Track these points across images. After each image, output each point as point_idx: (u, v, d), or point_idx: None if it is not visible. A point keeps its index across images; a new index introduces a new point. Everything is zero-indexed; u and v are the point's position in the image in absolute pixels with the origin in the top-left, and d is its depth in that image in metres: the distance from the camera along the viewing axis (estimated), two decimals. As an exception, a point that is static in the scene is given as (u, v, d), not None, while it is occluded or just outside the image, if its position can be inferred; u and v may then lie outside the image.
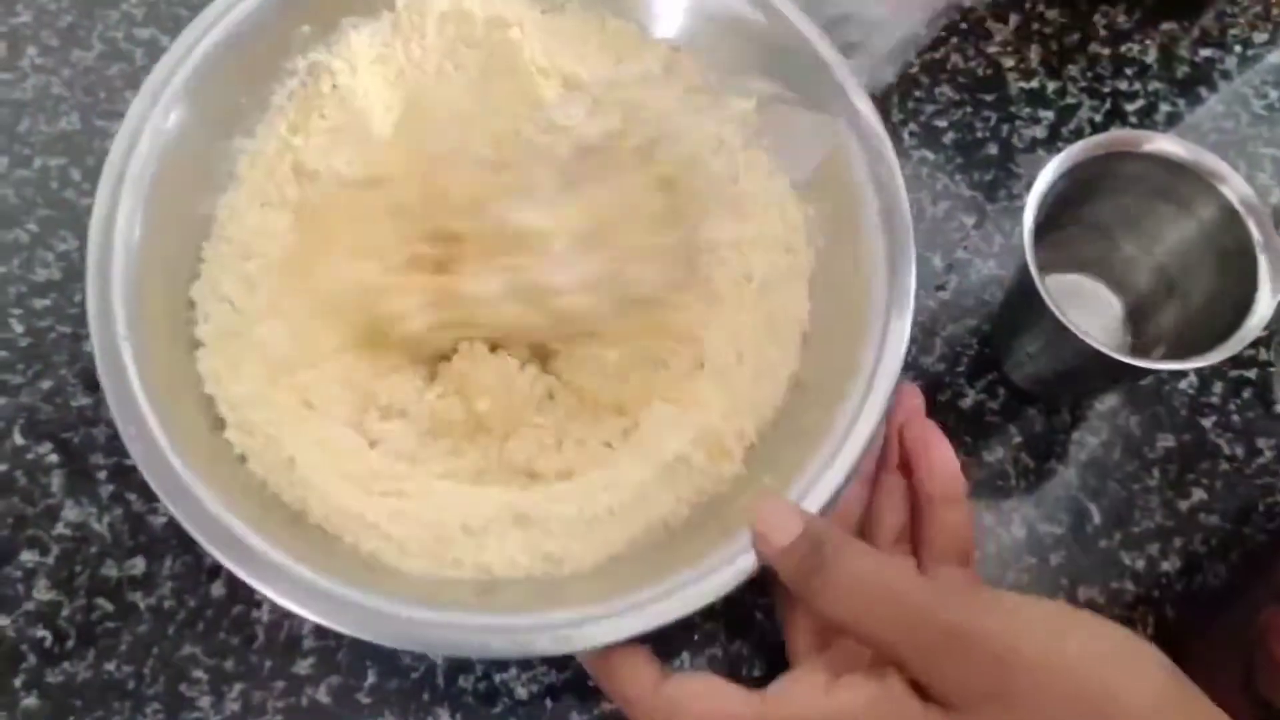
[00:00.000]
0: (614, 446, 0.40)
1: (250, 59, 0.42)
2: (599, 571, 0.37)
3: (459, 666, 0.41)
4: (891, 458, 0.40)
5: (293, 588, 0.34)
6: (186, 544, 0.42)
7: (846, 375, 0.38)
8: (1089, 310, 0.48)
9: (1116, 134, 0.43)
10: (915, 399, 0.41)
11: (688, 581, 0.34)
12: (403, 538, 0.37)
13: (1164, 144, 0.42)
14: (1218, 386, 0.48)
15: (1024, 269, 0.40)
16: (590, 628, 0.33)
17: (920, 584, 0.32)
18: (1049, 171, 0.41)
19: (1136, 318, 0.47)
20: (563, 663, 0.41)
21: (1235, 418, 0.47)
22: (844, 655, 0.34)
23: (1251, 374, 0.48)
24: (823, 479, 0.36)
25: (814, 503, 0.36)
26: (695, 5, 0.45)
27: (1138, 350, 0.46)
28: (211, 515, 0.34)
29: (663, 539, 0.38)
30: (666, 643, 0.42)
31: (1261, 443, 0.47)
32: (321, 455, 0.38)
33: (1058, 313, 0.39)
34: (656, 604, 0.34)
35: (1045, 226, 0.41)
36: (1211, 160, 0.41)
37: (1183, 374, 0.48)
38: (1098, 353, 0.39)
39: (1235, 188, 0.41)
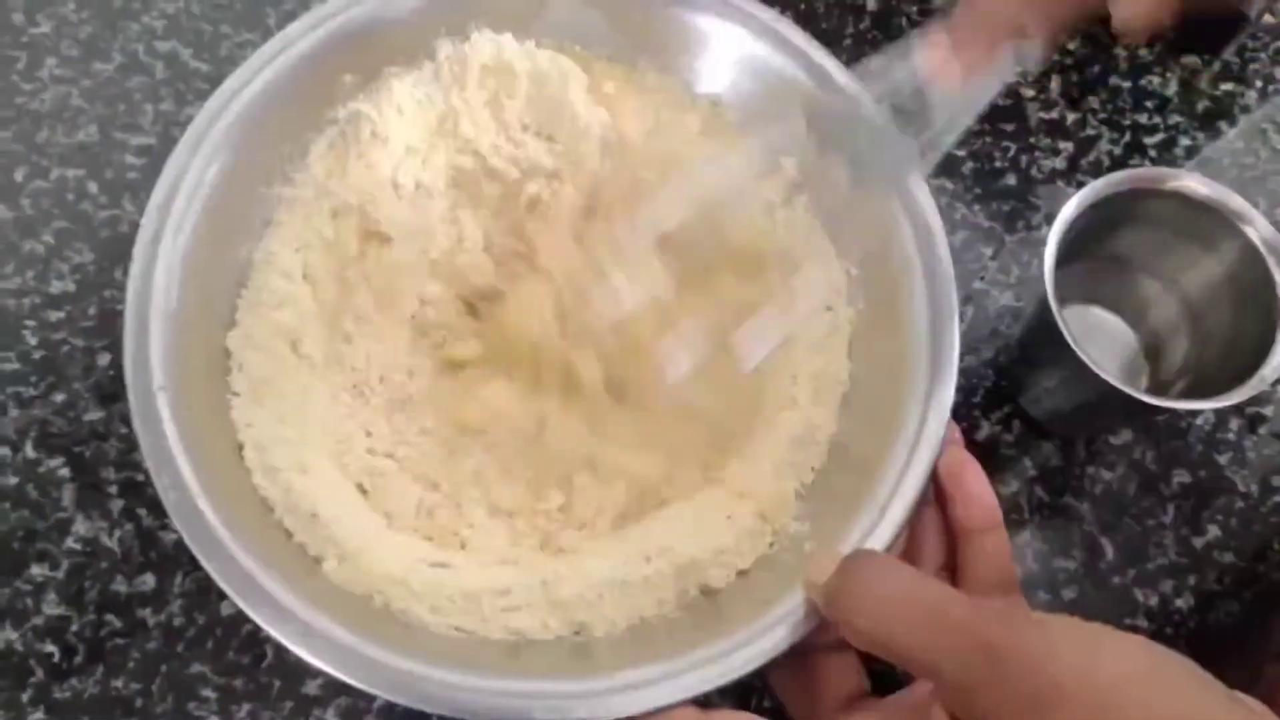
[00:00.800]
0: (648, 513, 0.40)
1: (294, 108, 0.42)
2: (631, 633, 0.37)
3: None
4: (928, 491, 0.40)
5: (329, 648, 0.34)
6: (196, 561, 0.42)
7: (888, 443, 0.38)
8: (1105, 344, 0.48)
9: (1140, 171, 0.43)
10: (951, 431, 0.40)
11: (725, 650, 0.34)
12: (433, 597, 0.37)
13: (1188, 182, 0.42)
14: (1234, 423, 0.47)
15: (1043, 304, 0.40)
16: (628, 695, 0.34)
17: (959, 600, 0.31)
18: (1070, 207, 0.41)
19: (1154, 353, 0.47)
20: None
21: (1251, 454, 0.47)
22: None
23: (1268, 410, 0.48)
24: (870, 540, 0.36)
25: None
26: (742, 62, 0.45)
27: (1155, 386, 0.46)
28: (245, 571, 0.34)
29: (697, 602, 0.38)
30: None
31: (1277, 480, 0.46)
32: (355, 515, 0.38)
33: (1077, 350, 0.39)
34: (695, 670, 0.34)
35: (1064, 259, 0.41)
36: (1235, 200, 0.41)
37: (1198, 411, 0.47)
38: (1116, 390, 0.39)
39: (1259, 228, 0.41)
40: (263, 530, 0.37)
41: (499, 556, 0.39)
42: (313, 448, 0.39)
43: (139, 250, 0.38)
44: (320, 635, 0.33)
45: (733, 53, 0.44)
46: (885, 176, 0.40)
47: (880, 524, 0.36)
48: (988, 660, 0.29)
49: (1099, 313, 0.48)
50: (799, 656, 0.36)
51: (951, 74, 0.37)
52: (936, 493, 0.39)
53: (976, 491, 0.38)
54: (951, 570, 0.38)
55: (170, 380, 0.36)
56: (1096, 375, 0.39)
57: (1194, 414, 0.47)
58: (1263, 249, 0.41)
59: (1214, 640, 0.44)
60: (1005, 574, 0.37)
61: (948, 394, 0.38)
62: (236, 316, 0.41)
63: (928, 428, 0.37)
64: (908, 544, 0.39)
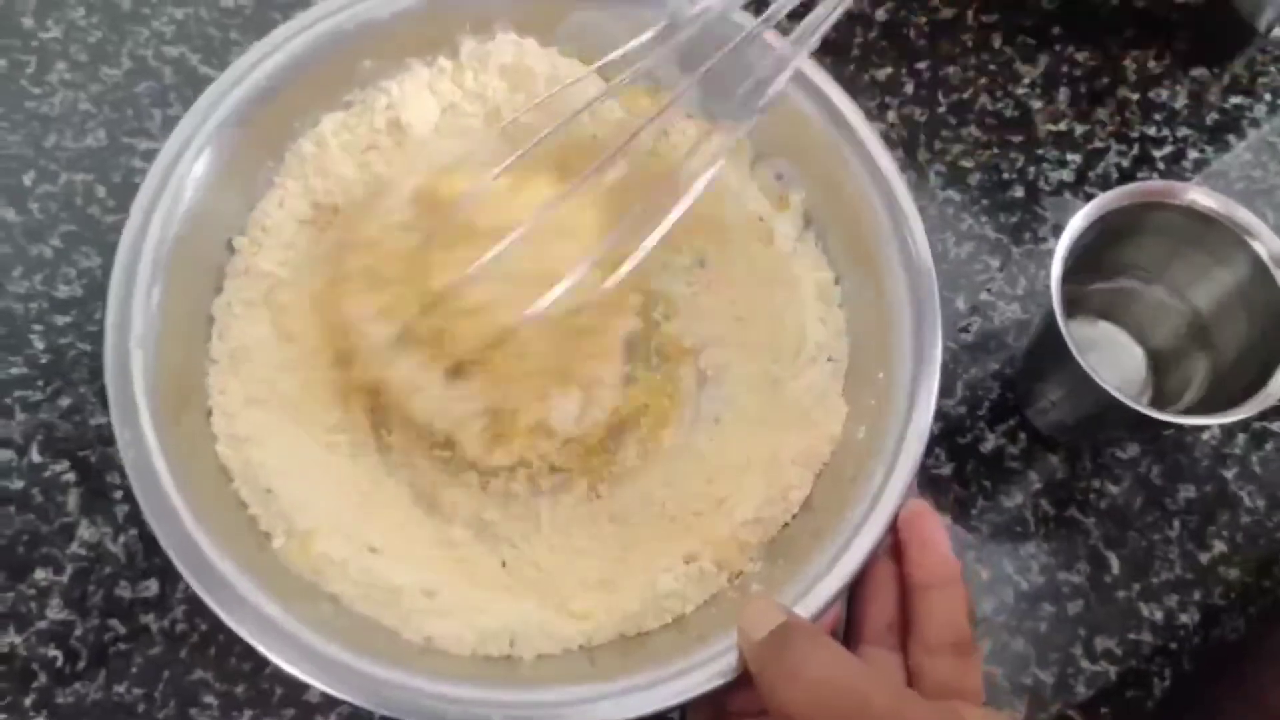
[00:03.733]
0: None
1: (310, 85, 0.42)
2: (559, 661, 0.37)
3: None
4: (884, 543, 0.38)
5: (258, 621, 0.34)
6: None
7: (851, 498, 0.37)
8: (1112, 358, 0.48)
9: (1149, 184, 0.42)
10: (912, 488, 0.39)
11: (651, 681, 0.34)
12: (365, 586, 0.37)
13: (1197, 196, 0.42)
14: (1240, 438, 0.47)
15: (1050, 316, 0.40)
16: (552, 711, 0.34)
17: (883, 689, 0.30)
18: (1079, 220, 0.41)
19: (1160, 367, 0.47)
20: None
21: (1258, 469, 0.47)
22: None
23: (1275, 426, 0.47)
24: (815, 590, 0.35)
25: (805, 609, 0.35)
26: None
27: (1161, 400, 0.46)
28: (188, 534, 0.34)
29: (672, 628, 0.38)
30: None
31: (1284, 496, 0.46)
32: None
33: (1083, 363, 0.39)
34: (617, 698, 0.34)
35: (1071, 272, 0.41)
36: (1244, 215, 0.41)
37: (1205, 426, 0.47)
38: (1120, 403, 0.39)
39: (1267, 243, 0.41)
40: (217, 498, 0.37)
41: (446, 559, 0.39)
42: (283, 421, 0.39)
43: (141, 197, 0.38)
44: (251, 609, 0.34)
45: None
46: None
47: (828, 576, 0.35)
48: None
49: (1106, 326, 0.48)
50: (719, 718, 0.35)
51: None
52: (893, 544, 0.37)
53: (932, 541, 0.36)
54: (903, 627, 0.36)
55: (149, 336, 0.37)
56: (1101, 388, 0.39)
57: (1200, 428, 0.47)
58: (1271, 264, 0.41)
59: (1219, 656, 0.44)
60: (959, 632, 0.35)
61: (917, 449, 0.37)
62: (223, 283, 0.41)
63: (891, 483, 0.36)
64: (855, 600, 0.38)
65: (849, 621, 0.38)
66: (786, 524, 0.39)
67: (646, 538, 0.41)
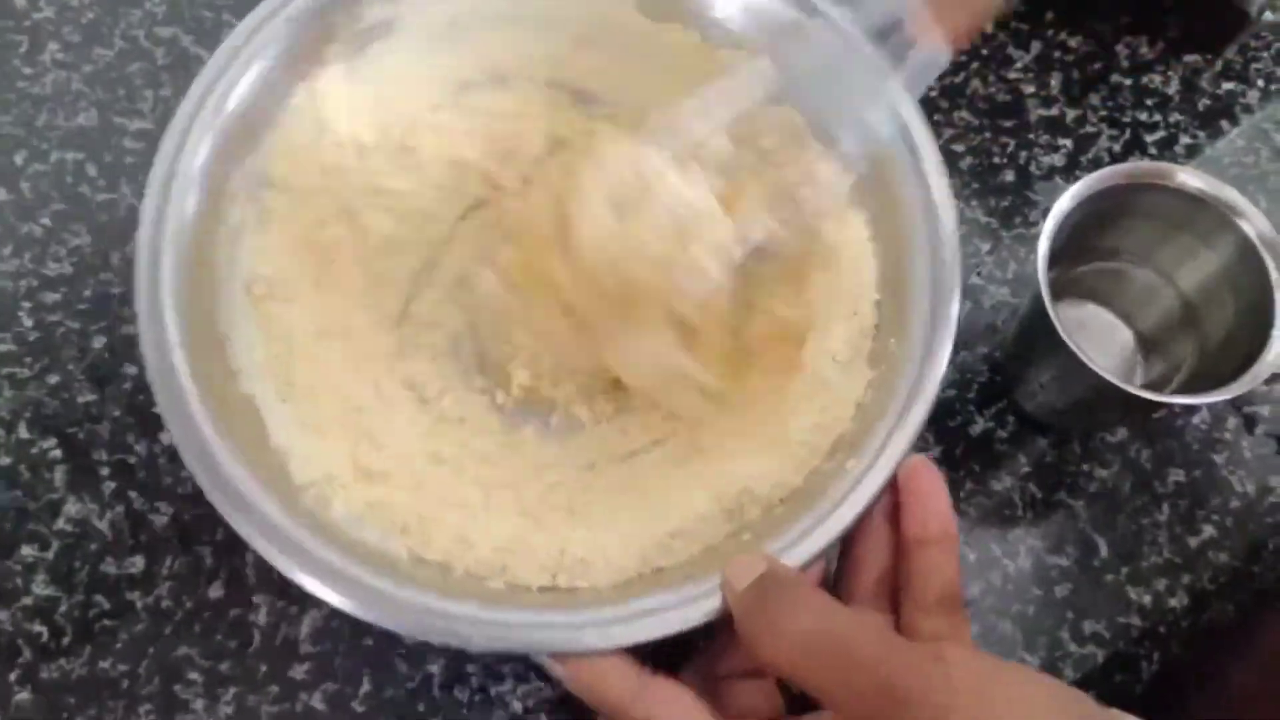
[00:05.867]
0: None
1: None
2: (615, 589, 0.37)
3: (455, 677, 0.41)
4: (879, 497, 0.37)
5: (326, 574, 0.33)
6: (186, 544, 0.42)
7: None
8: (1101, 341, 0.47)
9: (1136, 165, 0.42)
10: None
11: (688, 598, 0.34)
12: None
13: (1185, 177, 0.42)
14: (1231, 423, 0.47)
15: (1037, 298, 0.40)
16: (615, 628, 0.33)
17: (869, 636, 0.30)
18: (1066, 199, 0.41)
19: (1149, 350, 0.47)
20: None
21: (1248, 454, 0.47)
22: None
23: (1265, 410, 0.47)
24: (802, 543, 0.35)
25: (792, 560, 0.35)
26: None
27: (1151, 383, 0.46)
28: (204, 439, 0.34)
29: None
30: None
31: (1274, 480, 0.46)
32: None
33: (1071, 344, 0.39)
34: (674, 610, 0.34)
35: (1059, 255, 0.41)
36: (1232, 195, 0.41)
37: (1196, 409, 0.47)
38: (1111, 385, 0.39)
39: (1255, 224, 0.41)
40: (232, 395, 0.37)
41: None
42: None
43: (176, 125, 0.38)
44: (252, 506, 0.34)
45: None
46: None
47: (816, 530, 0.35)
48: (890, 702, 0.28)
49: (1095, 309, 0.48)
50: (710, 681, 0.35)
51: (934, 37, 0.36)
52: (889, 506, 0.37)
53: (930, 494, 0.36)
54: (894, 583, 0.36)
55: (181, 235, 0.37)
56: (1089, 370, 0.39)
57: (1190, 412, 0.47)
58: (1259, 244, 0.41)
59: (1208, 640, 0.44)
60: (950, 590, 0.34)
61: (920, 415, 0.36)
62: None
63: (890, 446, 0.36)
64: (846, 556, 0.37)
65: (839, 582, 0.37)
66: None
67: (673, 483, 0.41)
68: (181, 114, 0.38)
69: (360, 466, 0.39)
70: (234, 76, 0.39)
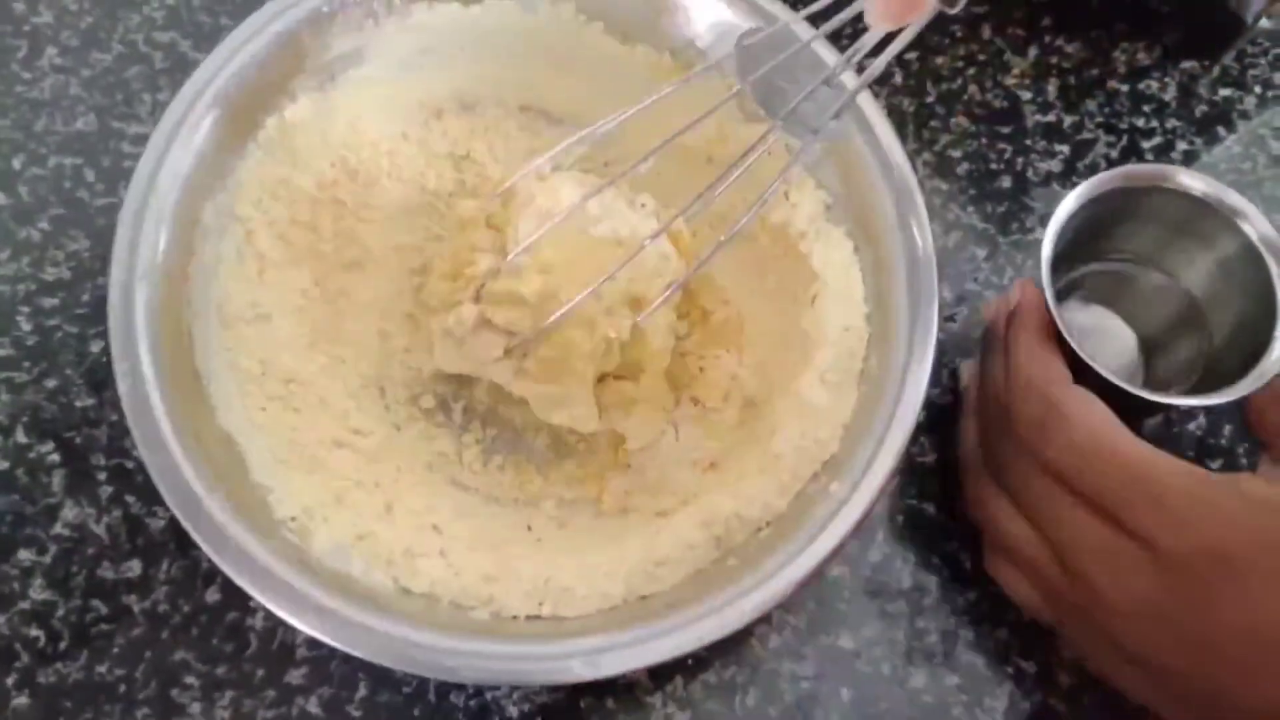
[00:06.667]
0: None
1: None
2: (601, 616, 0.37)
3: (451, 684, 0.41)
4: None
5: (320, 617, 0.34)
6: (183, 549, 0.42)
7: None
8: (1103, 343, 0.47)
9: (1138, 168, 0.42)
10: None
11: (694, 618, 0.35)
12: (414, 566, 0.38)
13: (1185, 179, 0.42)
14: (1227, 429, 0.47)
15: (1039, 300, 0.40)
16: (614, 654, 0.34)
17: (1140, 447, 0.36)
18: (1069, 202, 0.41)
19: (1150, 353, 0.47)
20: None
21: (1243, 461, 0.47)
22: None
23: (1262, 416, 0.47)
24: (786, 570, 0.36)
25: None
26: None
27: (1154, 385, 0.46)
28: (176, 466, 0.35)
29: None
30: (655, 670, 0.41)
31: (1270, 487, 0.46)
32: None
33: (1075, 345, 0.39)
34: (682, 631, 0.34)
35: (1061, 258, 0.41)
36: (1233, 197, 0.41)
37: (1193, 415, 0.47)
38: (1112, 385, 0.39)
39: (1256, 225, 0.41)
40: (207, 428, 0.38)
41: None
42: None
43: (155, 142, 0.39)
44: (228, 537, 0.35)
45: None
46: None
47: (801, 555, 0.36)
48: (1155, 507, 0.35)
49: (1097, 312, 0.48)
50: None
51: (893, 11, 0.36)
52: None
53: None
54: None
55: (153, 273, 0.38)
56: (1093, 371, 0.39)
57: (1188, 418, 0.47)
58: (1260, 246, 0.41)
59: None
60: None
61: (901, 435, 0.38)
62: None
63: (874, 468, 0.37)
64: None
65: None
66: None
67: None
68: (152, 147, 0.39)
69: (342, 500, 0.39)
70: (199, 113, 0.40)
